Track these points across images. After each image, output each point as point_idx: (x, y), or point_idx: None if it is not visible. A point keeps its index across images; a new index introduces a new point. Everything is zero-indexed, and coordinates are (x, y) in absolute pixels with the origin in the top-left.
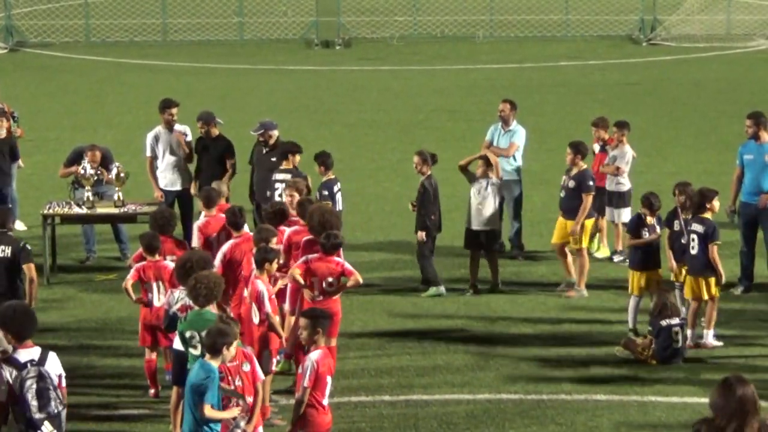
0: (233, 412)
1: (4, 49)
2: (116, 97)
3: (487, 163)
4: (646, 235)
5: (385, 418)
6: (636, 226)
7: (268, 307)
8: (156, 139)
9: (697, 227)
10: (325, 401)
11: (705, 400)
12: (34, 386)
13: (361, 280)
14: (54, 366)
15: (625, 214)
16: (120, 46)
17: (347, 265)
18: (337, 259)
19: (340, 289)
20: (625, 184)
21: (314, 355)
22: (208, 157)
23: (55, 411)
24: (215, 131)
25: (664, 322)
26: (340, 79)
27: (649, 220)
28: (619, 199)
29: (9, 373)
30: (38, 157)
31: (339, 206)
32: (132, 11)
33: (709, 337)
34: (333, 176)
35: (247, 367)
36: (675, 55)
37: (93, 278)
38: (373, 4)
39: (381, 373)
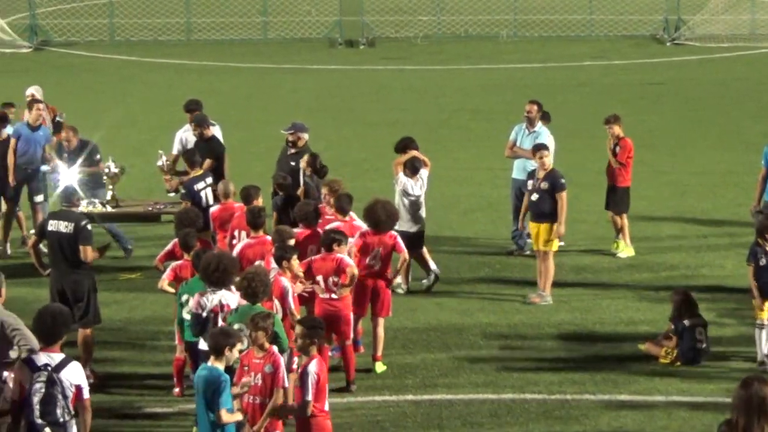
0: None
1: (28, 48)
2: (140, 97)
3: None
4: (763, 262)
5: (408, 417)
6: (755, 254)
7: (291, 305)
8: (184, 137)
9: None
10: (326, 407)
11: (729, 400)
12: (42, 390)
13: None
14: (72, 375)
15: None
16: (144, 46)
17: (345, 259)
18: (338, 256)
19: (343, 288)
20: None
21: (313, 367)
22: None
23: (61, 420)
24: (208, 133)
25: (687, 322)
26: (363, 78)
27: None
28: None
29: (26, 375)
30: None
31: (210, 201)
32: (156, 10)
33: None
34: (201, 172)
35: (269, 369)
36: (699, 55)
37: (117, 277)
38: (397, 3)
39: (405, 372)
